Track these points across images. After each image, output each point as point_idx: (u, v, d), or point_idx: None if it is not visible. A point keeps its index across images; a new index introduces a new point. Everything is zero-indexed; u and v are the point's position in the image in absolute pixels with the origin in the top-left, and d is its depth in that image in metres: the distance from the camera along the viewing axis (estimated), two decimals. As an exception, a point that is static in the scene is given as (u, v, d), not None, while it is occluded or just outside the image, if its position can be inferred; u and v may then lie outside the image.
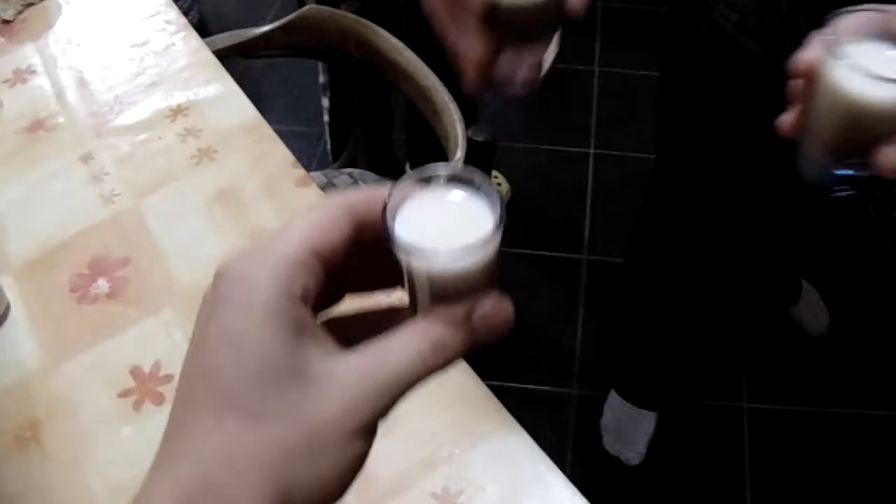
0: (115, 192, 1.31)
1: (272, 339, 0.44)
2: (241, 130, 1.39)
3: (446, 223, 0.51)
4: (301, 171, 1.33)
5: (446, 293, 0.50)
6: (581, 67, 3.42)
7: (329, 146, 2.39)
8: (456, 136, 1.38)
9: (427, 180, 0.51)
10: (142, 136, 1.39)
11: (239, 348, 0.45)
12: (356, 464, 0.46)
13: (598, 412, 2.42)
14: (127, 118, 1.43)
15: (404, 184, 0.50)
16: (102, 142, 1.39)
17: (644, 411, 2.39)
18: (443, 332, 0.48)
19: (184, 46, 1.54)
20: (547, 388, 2.48)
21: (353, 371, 0.46)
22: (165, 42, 1.55)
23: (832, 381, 2.53)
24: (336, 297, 0.54)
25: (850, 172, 0.64)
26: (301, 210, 0.53)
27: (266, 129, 1.40)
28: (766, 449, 2.38)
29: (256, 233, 1.23)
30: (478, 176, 0.51)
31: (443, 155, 1.48)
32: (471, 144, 1.39)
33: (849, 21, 0.59)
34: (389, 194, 0.49)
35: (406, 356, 0.47)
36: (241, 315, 0.45)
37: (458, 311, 0.49)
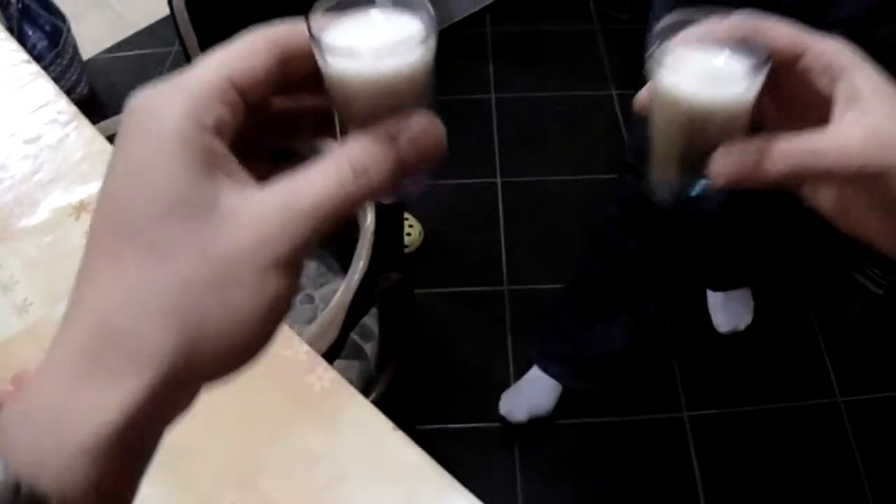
0: (28, 301, 1.27)
1: (179, 170, 0.41)
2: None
3: (374, 33, 0.49)
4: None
5: (371, 109, 0.47)
6: (477, 96, 3.43)
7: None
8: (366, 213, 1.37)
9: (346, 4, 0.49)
10: (48, 238, 1.35)
11: (142, 179, 0.42)
12: (276, 303, 0.42)
13: (543, 440, 2.42)
14: (29, 220, 1.38)
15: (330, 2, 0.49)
16: (7, 248, 1.35)
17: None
18: (364, 154, 0.45)
19: (78, 137, 1.50)
20: (487, 423, 2.46)
21: (268, 202, 0.42)
22: (59, 134, 1.51)
23: (764, 378, 2.56)
24: (262, 143, 0.51)
25: (698, 186, 0.62)
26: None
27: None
28: (714, 454, 2.41)
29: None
30: None
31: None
32: (380, 207, 1.37)
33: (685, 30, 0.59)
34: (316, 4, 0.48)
35: (324, 183, 0.43)
36: (146, 145, 0.42)
37: (381, 130, 0.46)
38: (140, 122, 0.43)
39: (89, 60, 3.57)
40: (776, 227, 2.34)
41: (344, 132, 0.49)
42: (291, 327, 1.56)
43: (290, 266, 0.42)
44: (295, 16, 0.47)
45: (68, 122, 1.53)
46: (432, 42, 0.49)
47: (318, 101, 0.49)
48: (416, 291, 2.66)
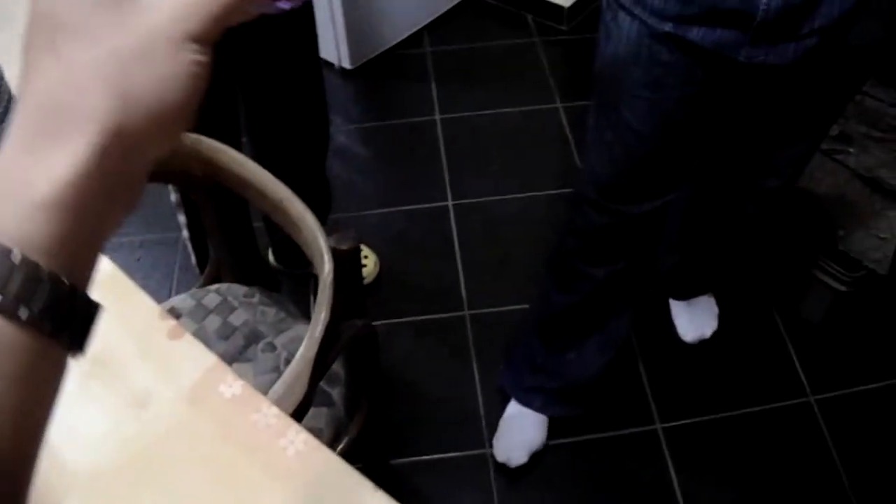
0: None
1: None
2: (98, 288, 1.31)
3: None
4: (171, 322, 1.26)
5: None
6: (421, 119, 3.40)
7: (193, 259, 2.31)
8: (320, 250, 1.32)
9: None
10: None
11: None
12: (193, 71, 0.48)
13: (517, 467, 2.38)
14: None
15: None
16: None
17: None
18: None
19: None
20: (460, 453, 2.41)
21: None
22: None
23: (734, 383, 2.55)
24: None
25: None
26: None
27: (126, 283, 1.32)
28: (690, 464, 2.38)
29: (141, 399, 1.16)
30: None
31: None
32: (337, 254, 1.33)
33: None
34: None
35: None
36: None
37: None
38: None
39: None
40: (736, 232, 2.32)
41: None
42: (257, 387, 1.52)
43: (202, 41, 0.48)
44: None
45: None
46: None
47: None
48: (376, 323, 2.63)
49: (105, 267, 1.35)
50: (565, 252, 2.05)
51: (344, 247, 1.35)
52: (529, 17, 3.94)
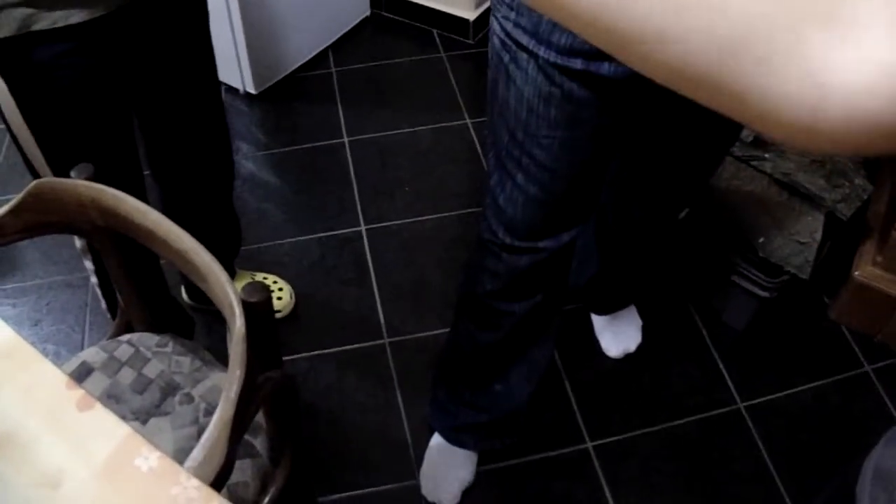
0: None
1: None
2: (-1, 358, 1.24)
3: None
4: (80, 392, 1.19)
5: None
6: (329, 142, 3.35)
7: (104, 304, 2.23)
8: (230, 303, 1.26)
9: None
10: None
11: None
12: None
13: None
14: None
15: None
16: None
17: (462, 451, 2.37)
18: None
19: None
20: (391, 485, 2.36)
21: None
22: None
23: (662, 396, 2.55)
24: None
25: None
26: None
27: (28, 351, 1.25)
28: (623, 480, 2.37)
29: (53, 479, 1.10)
30: None
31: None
32: (248, 307, 1.28)
33: None
34: None
35: None
36: None
37: None
38: None
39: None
40: (654, 244, 2.31)
41: None
42: (176, 442, 1.47)
43: None
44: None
45: None
46: None
47: None
48: (295, 357, 2.58)
49: (4, 334, 1.28)
50: (482, 294, 1.98)
51: (255, 299, 1.29)
52: (435, 32, 3.91)
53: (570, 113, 1.52)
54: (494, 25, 1.55)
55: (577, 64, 1.43)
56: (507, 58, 1.53)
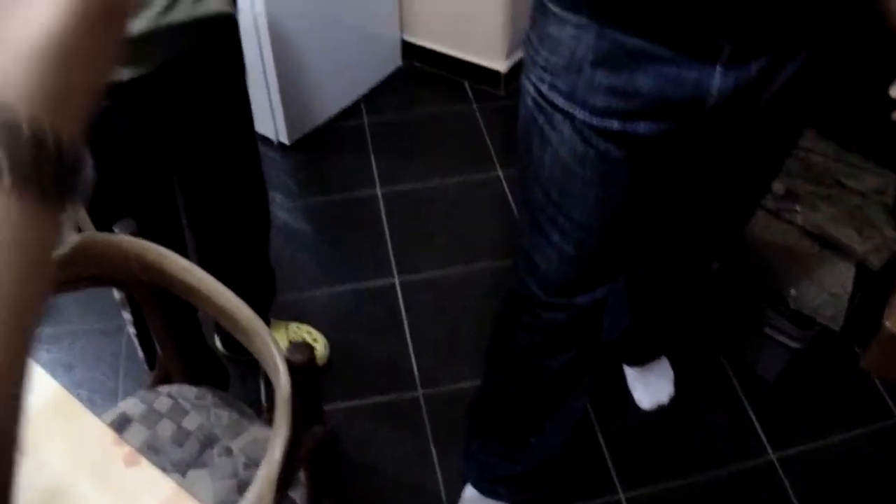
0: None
1: None
2: (45, 410, 1.27)
3: None
4: (126, 449, 1.22)
5: None
6: (363, 193, 3.38)
7: (141, 354, 2.25)
8: (274, 362, 1.28)
9: None
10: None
11: None
12: None
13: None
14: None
15: None
16: None
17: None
18: None
19: None
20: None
21: None
22: None
23: (694, 448, 2.54)
24: None
25: None
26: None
27: (75, 405, 1.28)
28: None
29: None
30: None
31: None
32: (293, 366, 1.29)
33: None
34: None
35: None
36: None
37: None
38: None
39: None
40: (686, 296, 2.32)
41: None
42: (216, 494, 1.48)
43: None
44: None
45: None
46: None
47: None
48: (330, 408, 2.59)
49: (53, 387, 1.30)
50: (517, 349, 2.00)
51: (299, 358, 1.31)
52: (466, 83, 3.95)
53: (604, 172, 1.54)
54: (527, 86, 1.56)
55: (614, 125, 1.44)
56: (541, 119, 1.54)
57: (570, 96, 1.46)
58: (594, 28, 1.38)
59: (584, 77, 1.42)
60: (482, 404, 2.29)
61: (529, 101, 1.57)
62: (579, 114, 1.46)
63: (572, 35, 1.41)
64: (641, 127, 1.44)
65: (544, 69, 1.49)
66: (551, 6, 1.44)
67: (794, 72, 1.41)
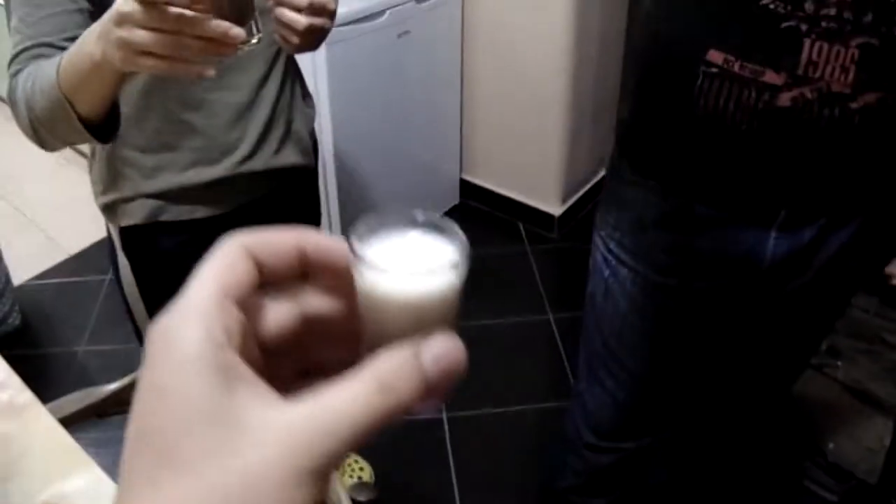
0: None
1: (199, 386, 0.43)
2: None
3: (410, 253, 0.53)
4: None
5: (400, 327, 0.50)
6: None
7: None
8: (339, 500, 1.35)
9: (388, 224, 0.54)
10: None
11: (166, 401, 0.43)
12: None
13: None
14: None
15: (369, 223, 0.53)
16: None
17: None
18: (392, 372, 0.46)
19: (34, 426, 1.44)
20: None
21: (296, 417, 0.43)
22: (8, 429, 1.42)
23: None
24: (291, 360, 0.53)
25: None
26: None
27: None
28: None
29: None
30: (444, 221, 0.55)
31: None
32: None
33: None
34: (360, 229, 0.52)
35: (351, 398, 0.44)
36: (166, 368, 0.44)
37: (408, 349, 0.47)
38: (157, 348, 0.45)
39: (20, 287, 3.54)
40: (725, 450, 2.35)
41: (371, 348, 0.50)
42: None
43: (316, 480, 0.43)
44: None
45: (23, 411, 1.46)
46: (464, 268, 0.52)
47: (335, 313, 0.54)
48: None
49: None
50: (562, 489, 2.06)
51: (363, 499, 1.37)
52: (521, 225, 4.03)
53: (662, 326, 1.62)
54: (598, 241, 1.69)
55: (674, 282, 1.55)
56: (607, 272, 1.66)
57: (634, 254, 1.59)
58: (660, 193, 1.51)
59: (649, 237, 1.56)
60: None
61: (598, 256, 1.69)
62: (642, 269, 1.58)
63: (641, 198, 1.55)
64: (700, 285, 1.54)
65: (614, 227, 1.62)
66: (625, 171, 1.57)
67: (847, 239, 1.49)
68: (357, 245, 0.51)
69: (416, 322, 0.50)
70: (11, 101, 1.52)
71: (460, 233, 0.54)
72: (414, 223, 0.55)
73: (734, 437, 2.29)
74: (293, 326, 0.53)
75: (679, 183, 1.50)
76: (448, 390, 0.48)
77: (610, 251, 1.65)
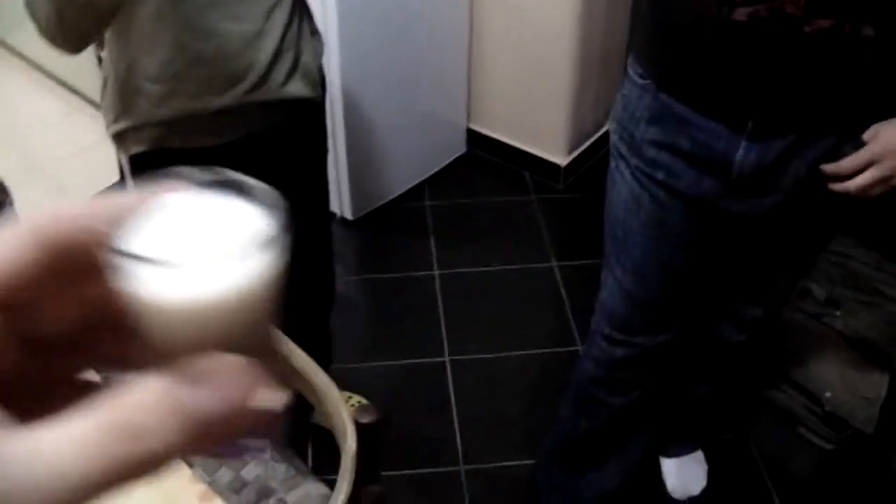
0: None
1: None
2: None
3: (193, 235, 0.37)
4: (201, 486, 1.32)
5: (177, 341, 0.36)
6: (420, 273, 3.48)
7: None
8: (343, 424, 1.38)
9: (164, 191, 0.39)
10: None
11: None
12: None
13: None
14: None
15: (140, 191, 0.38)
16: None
17: None
18: (137, 409, 0.33)
19: None
20: None
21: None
22: None
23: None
24: (61, 371, 0.40)
25: None
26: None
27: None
28: None
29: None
30: (247, 180, 0.39)
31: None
32: (360, 428, 1.39)
33: None
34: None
35: (77, 449, 0.32)
36: None
37: (163, 379, 0.34)
38: None
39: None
40: (720, 364, 2.40)
41: (146, 363, 0.36)
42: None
43: None
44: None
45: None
46: (278, 249, 0.36)
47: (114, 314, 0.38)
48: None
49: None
50: (583, 378, 2.18)
51: (366, 420, 1.41)
52: (527, 175, 4.04)
53: (658, 216, 1.79)
54: (611, 136, 1.85)
55: (660, 175, 1.72)
56: (612, 164, 1.85)
57: (630, 146, 1.75)
58: (653, 90, 1.67)
59: (640, 131, 1.71)
60: (550, 437, 2.42)
61: (611, 148, 1.85)
62: (635, 161, 1.75)
63: (638, 95, 1.71)
64: (681, 183, 1.70)
65: (618, 123, 1.78)
66: (630, 69, 1.74)
67: (819, 156, 1.59)
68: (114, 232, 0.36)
69: (203, 336, 0.36)
70: (28, 2, 1.59)
71: (272, 194, 0.39)
72: (204, 185, 0.39)
73: (725, 352, 2.33)
74: (75, 318, 0.40)
75: (667, 82, 1.65)
76: (266, 426, 0.36)
77: (614, 145, 1.81)
